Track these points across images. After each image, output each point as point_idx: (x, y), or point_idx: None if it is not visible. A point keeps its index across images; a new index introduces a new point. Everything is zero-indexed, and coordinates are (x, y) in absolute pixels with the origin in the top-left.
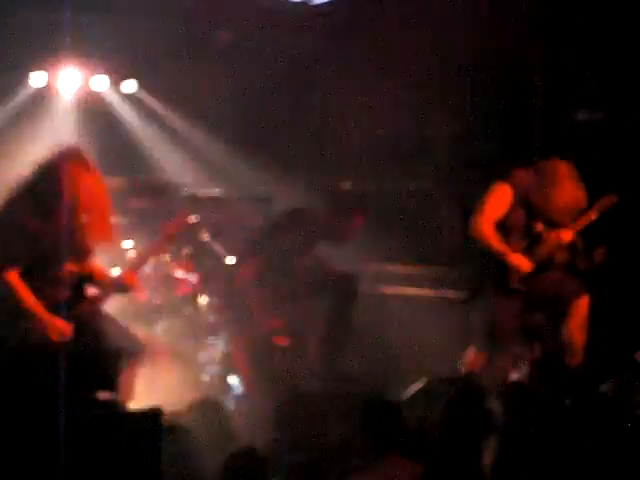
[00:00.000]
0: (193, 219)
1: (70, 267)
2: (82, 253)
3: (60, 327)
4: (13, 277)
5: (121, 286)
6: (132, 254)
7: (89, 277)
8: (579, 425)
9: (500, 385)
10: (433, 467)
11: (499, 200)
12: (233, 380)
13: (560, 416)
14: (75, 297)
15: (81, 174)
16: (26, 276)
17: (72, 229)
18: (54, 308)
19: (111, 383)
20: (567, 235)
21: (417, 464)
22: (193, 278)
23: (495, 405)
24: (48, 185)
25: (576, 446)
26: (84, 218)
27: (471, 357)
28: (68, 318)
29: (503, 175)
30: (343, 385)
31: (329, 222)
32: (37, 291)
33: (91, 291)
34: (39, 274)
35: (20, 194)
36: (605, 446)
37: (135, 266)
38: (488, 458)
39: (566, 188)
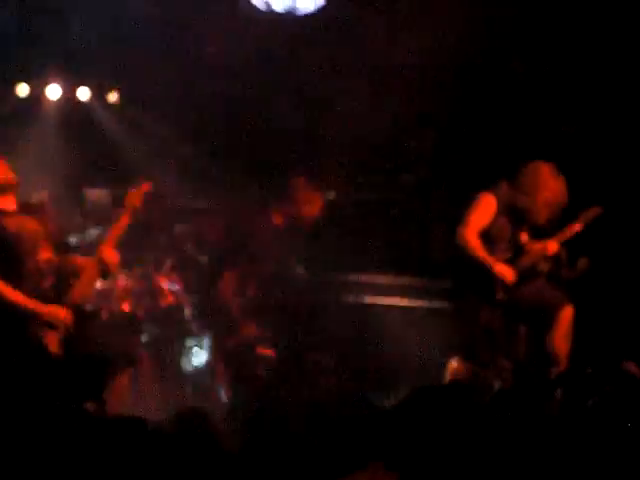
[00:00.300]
0: (150, 187)
1: (47, 256)
2: (56, 242)
3: (57, 312)
4: None
5: (103, 265)
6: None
7: (69, 264)
8: (563, 435)
9: (484, 395)
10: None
11: (483, 210)
12: (217, 390)
13: (544, 426)
14: (60, 284)
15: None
16: (4, 270)
17: (41, 217)
18: (40, 300)
19: (99, 391)
20: (552, 246)
21: (399, 475)
22: (177, 289)
23: (479, 415)
24: None
25: (560, 457)
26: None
27: (455, 367)
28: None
29: (487, 186)
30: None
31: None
32: (18, 285)
33: (75, 279)
34: (17, 269)
35: None
36: (590, 457)
37: (109, 242)
38: (474, 467)
39: (549, 185)
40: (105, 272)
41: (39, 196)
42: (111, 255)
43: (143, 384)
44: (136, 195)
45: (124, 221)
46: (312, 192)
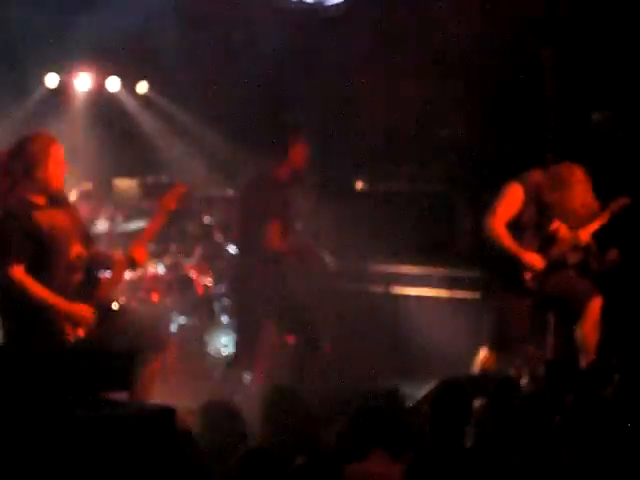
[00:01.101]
0: (186, 188)
1: (77, 250)
2: (85, 235)
3: (81, 311)
4: (19, 272)
5: (131, 262)
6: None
7: (98, 259)
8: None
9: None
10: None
11: (511, 200)
12: (245, 380)
13: (571, 416)
14: (88, 280)
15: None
16: (34, 265)
17: (68, 210)
18: (69, 294)
19: (126, 381)
20: (584, 235)
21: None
22: (206, 279)
23: (507, 405)
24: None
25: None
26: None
27: (484, 357)
28: (86, 302)
29: (516, 175)
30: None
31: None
32: (49, 280)
33: (103, 274)
34: (48, 264)
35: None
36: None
37: (141, 242)
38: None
39: (578, 192)
40: (134, 265)
41: (83, 187)
42: (141, 254)
43: (171, 374)
44: (171, 197)
45: (158, 222)
46: (302, 144)
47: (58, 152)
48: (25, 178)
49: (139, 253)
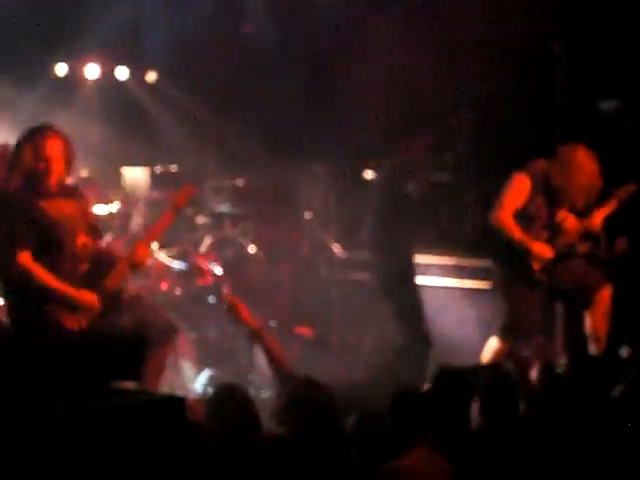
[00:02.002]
0: (196, 189)
1: (84, 240)
2: (92, 226)
3: (87, 298)
4: (26, 258)
5: (134, 261)
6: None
7: (102, 251)
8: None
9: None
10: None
11: (518, 190)
12: (254, 370)
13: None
14: (94, 271)
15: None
16: (40, 254)
17: (76, 200)
18: (75, 283)
19: (137, 369)
20: (594, 222)
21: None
22: (216, 268)
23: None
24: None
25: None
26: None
27: (494, 346)
28: (92, 291)
29: (522, 165)
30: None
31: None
32: (54, 267)
33: (108, 268)
34: (53, 250)
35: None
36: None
37: (146, 240)
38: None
39: (585, 172)
40: (135, 266)
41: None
42: (144, 253)
43: (181, 363)
44: (181, 196)
45: (166, 220)
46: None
47: (60, 143)
48: (30, 168)
49: (142, 251)
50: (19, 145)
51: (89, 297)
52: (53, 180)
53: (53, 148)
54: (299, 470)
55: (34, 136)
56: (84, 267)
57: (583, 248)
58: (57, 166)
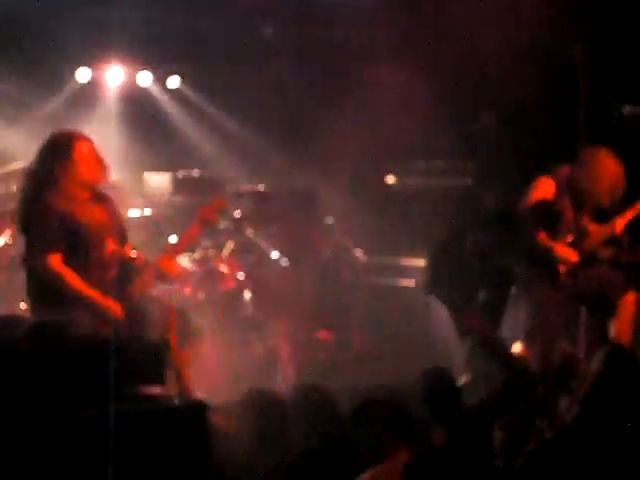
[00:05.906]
0: (226, 203)
1: (112, 247)
2: (121, 232)
3: (112, 306)
4: (56, 262)
5: (160, 273)
6: None
7: (130, 259)
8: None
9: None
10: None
11: (542, 193)
12: (275, 375)
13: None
14: (121, 278)
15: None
16: (70, 259)
17: (107, 206)
18: (102, 289)
19: (162, 375)
20: (620, 225)
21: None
22: (237, 273)
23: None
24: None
25: None
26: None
27: (518, 351)
28: (117, 299)
29: (545, 170)
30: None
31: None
32: (83, 273)
33: (134, 276)
34: (83, 255)
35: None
36: None
37: (172, 253)
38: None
39: (609, 169)
40: (161, 277)
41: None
42: (170, 266)
43: (203, 368)
44: (209, 210)
45: (194, 233)
46: None
47: (85, 148)
48: (60, 174)
49: (167, 265)
50: (50, 149)
51: (114, 306)
52: (85, 185)
53: (84, 152)
54: None
55: (65, 141)
56: (112, 273)
57: (606, 253)
58: (89, 171)
